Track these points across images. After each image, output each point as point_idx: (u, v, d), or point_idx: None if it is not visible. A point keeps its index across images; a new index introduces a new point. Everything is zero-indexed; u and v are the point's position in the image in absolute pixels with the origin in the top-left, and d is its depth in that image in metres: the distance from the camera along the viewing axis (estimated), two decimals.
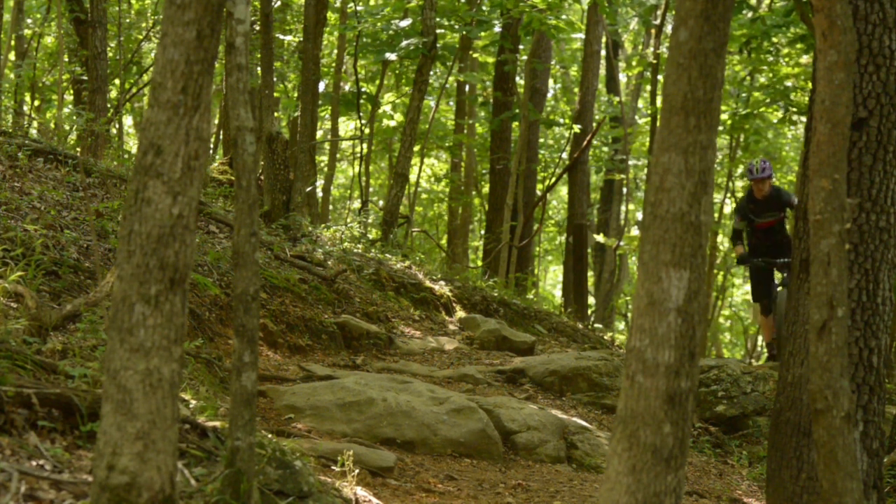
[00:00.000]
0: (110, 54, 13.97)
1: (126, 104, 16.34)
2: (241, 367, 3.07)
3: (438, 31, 12.68)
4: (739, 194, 20.83)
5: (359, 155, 15.87)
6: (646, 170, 19.67)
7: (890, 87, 4.19)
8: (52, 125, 13.59)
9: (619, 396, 2.54)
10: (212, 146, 16.37)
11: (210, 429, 3.59)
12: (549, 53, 16.42)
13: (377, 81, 16.80)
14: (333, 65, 16.20)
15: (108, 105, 12.33)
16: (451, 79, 17.68)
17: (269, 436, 3.97)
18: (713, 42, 2.50)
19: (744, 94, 16.05)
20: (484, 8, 13.90)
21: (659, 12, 16.22)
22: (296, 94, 16.60)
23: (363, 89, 15.76)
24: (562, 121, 18.44)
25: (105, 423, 2.72)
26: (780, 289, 9.80)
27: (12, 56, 14.75)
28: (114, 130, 14.01)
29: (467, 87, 18.13)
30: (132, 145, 17.76)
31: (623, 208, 19.20)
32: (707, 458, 7.16)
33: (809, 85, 9.86)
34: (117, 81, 15.15)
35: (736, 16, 11.09)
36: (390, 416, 5.80)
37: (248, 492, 3.07)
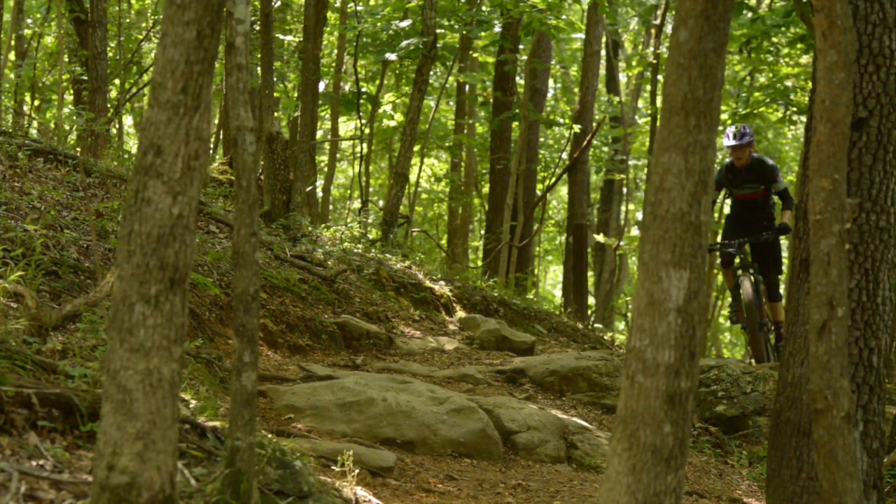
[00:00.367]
0: (110, 54, 13.97)
1: (126, 104, 16.34)
2: (241, 367, 3.07)
3: (438, 31, 12.68)
4: None
5: (359, 155, 15.87)
6: (646, 170, 19.68)
7: (890, 87, 4.19)
8: (52, 125, 13.58)
9: (619, 396, 2.54)
10: (212, 146, 16.37)
11: (210, 429, 3.59)
12: (549, 53, 16.43)
13: (377, 81, 16.80)
14: (333, 65, 16.20)
15: (108, 105, 12.33)
16: (451, 79, 17.69)
17: (269, 436, 3.97)
18: (713, 42, 2.50)
19: (744, 94, 16.05)
20: (484, 8, 13.90)
21: (659, 12, 16.23)
22: (296, 94, 16.60)
23: (363, 89, 15.76)
24: (562, 121, 18.45)
25: (105, 423, 2.72)
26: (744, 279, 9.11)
27: (12, 56, 14.76)
28: (114, 130, 14.01)
29: (467, 87, 18.13)
30: (132, 145, 17.76)
31: (623, 208, 19.20)
32: (707, 458, 7.16)
33: (809, 85, 9.85)
34: (117, 81, 15.15)
35: (735, 17, 11.09)
36: (390, 416, 5.80)
37: (248, 492, 3.07)
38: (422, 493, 5.05)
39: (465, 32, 13.60)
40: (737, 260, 9.11)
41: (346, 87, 16.24)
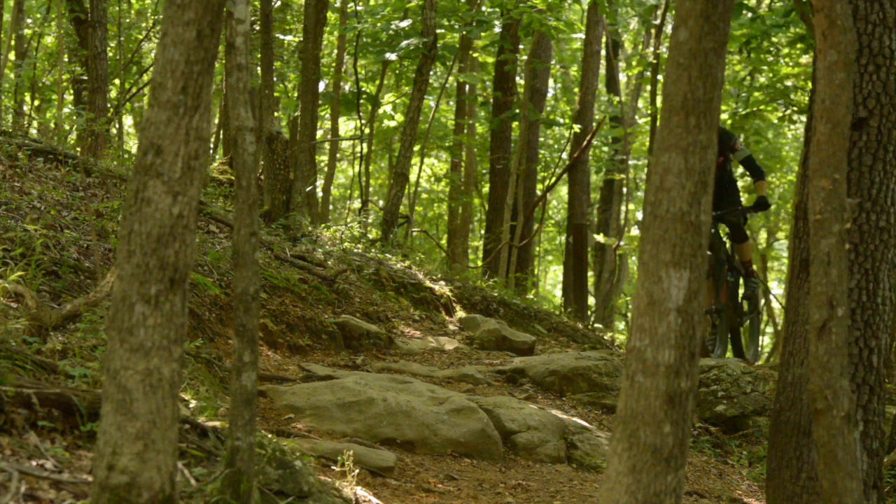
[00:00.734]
0: (110, 54, 13.97)
1: (126, 104, 16.34)
2: (241, 366, 3.07)
3: (438, 31, 12.67)
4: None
5: (359, 155, 15.87)
6: (646, 170, 19.67)
7: (890, 87, 4.19)
8: (52, 125, 13.58)
9: (619, 396, 2.54)
10: (212, 146, 16.37)
11: (210, 429, 3.59)
12: (549, 53, 16.43)
13: (377, 81, 16.80)
14: (333, 65, 16.20)
15: (108, 105, 12.33)
16: (451, 79, 17.69)
17: (269, 436, 3.97)
18: (713, 42, 2.50)
19: (744, 94, 16.05)
20: (484, 8, 13.90)
21: (659, 12, 16.22)
22: (296, 94, 16.60)
23: (363, 89, 15.76)
24: (562, 121, 18.45)
25: (105, 422, 2.72)
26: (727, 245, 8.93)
27: (12, 56, 14.75)
28: (114, 130, 14.01)
29: (467, 87, 18.13)
30: (132, 145, 17.76)
31: (623, 208, 19.20)
32: (707, 458, 7.16)
33: (809, 85, 9.83)
34: (117, 81, 15.15)
35: (735, 17, 11.08)
36: (390, 416, 5.80)
37: (248, 492, 3.07)
38: (422, 493, 5.05)
39: (465, 32, 13.60)
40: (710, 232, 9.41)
41: (346, 87, 16.24)
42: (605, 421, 7.17)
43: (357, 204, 15.52)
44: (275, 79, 13.50)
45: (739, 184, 16.24)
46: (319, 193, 15.10)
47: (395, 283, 9.64)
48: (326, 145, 18.23)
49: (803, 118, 14.59)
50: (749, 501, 6.32)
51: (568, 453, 6.32)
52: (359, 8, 14.99)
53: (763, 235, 24.79)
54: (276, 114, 14.47)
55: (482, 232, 19.09)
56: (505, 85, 15.62)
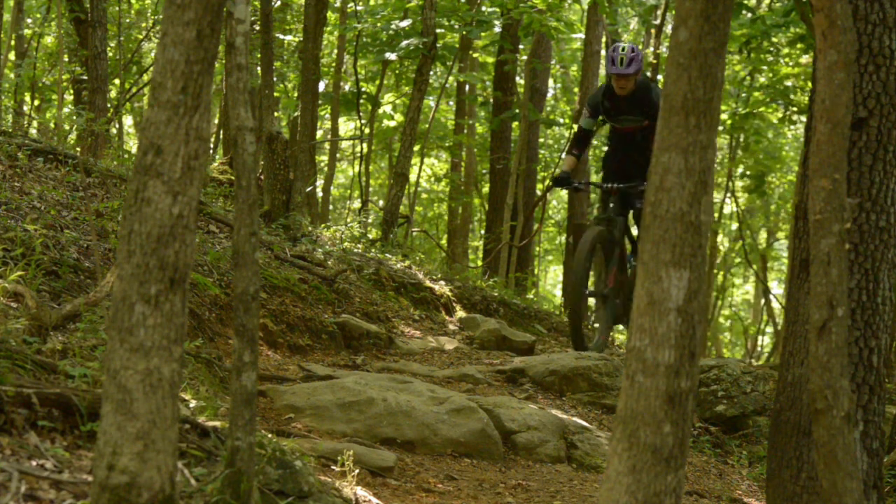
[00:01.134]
0: (110, 54, 13.97)
1: (126, 104, 16.34)
2: (241, 366, 3.07)
3: (438, 31, 12.67)
4: (739, 195, 20.83)
5: (359, 155, 15.87)
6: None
7: (890, 87, 4.19)
8: (52, 125, 13.58)
9: (619, 396, 2.54)
10: (212, 146, 16.36)
11: (210, 429, 3.59)
12: (549, 53, 16.43)
13: (377, 81, 16.79)
14: (333, 65, 16.20)
15: (108, 105, 12.33)
16: (451, 79, 17.69)
17: (269, 436, 3.97)
18: (713, 42, 2.50)
19: (744, 94, 16.05)
20: (484, 8, 13.90)
21: (659, 12, 16.22)
22: (296, 94, 16.60)
23: (363, 89, 15.76)
24: (562, 121, 18.44)
25: (105, 422, 2.72)
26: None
27: (12, 56, 14.75)
28: (114, 130, 14.00)
29: (467, 87, 18.13)
30: (132, 145, 17.76)
31: None
32: (707, 458, 7.16)
33: (809, 85, 9.81)
34: (117, 81, 15.15)
35: (735, 17, 11.08)
36: (390, 416, 5.80)
37: (248, 492, 3.07)
38: (422, 493, 5.05)
39: (465, 32, 13.60)
40: (610, 205, 7.74)
41: (346, 87, 16.24)
42: (605, 421, 7.17)
43: (357, 204, 15.52)
44: (275, 79, 13.50)
45: None
46: (319, 193, 15.10)
47: (395, 282, 9.64)
48: (326, 145, 18.23)
49: (803, 118, 14.58)
50: (749, 501, 6.32)
51: (568, 453, 6.32)
52: (359, 8, 14.99)
53: (763, 235, 24.79)
54: (276, 114, 14.47)
55: (482, 232, 19.09)
56: (505, 85, 15.62)
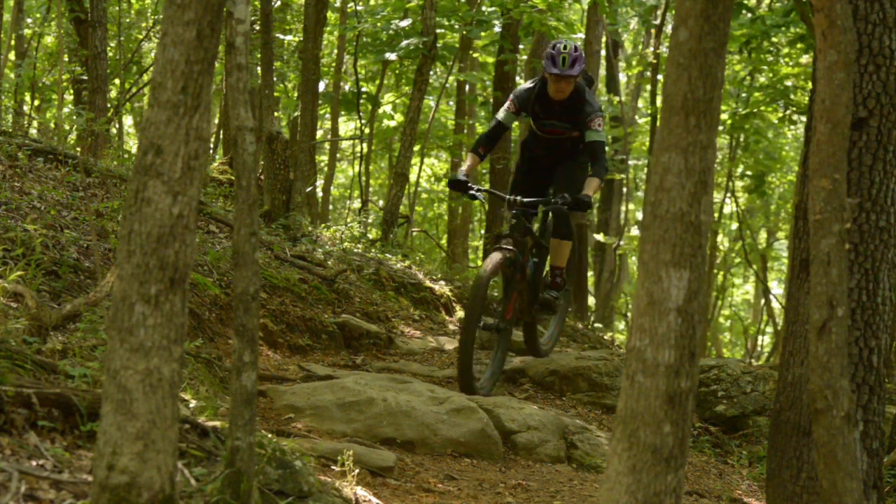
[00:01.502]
0: (110, 54, 13.97)
1: (126, 104, 16.34)
2: (241, 366, 3.07)
3: (438, 31, 12.68)
4: (739, 195, 20.82)
5: (359, 155, 15.87)
6: (646, 170, 19.68)
7: (890, 87, 4.19)
8: (52, 125, 13.58)
9: (619, 396, 2.54)
10: (212, 146, 16.37)
11: (210, 429, 3.59)
12: None
13: (377, 81, 16.80)
14: (333, 65, 16.20)
15: (108, 105, 12.33)
16: (451, 79, 17.69)
17: (269, 436, 3.97)
18: (713, 42, 2.50)
19: (744, 94, 16.05)
20: (484, 8, 13.90)
21: (659, 12, 16.22)
22: (296, 94, 16.60)
23: (363, 89, 15.76)
24: None
25: (105, 422, 2.72)
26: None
27: (12, 56, 14.75)
28: (114, 130, 14.00)
29: (467, 87, 18.13)
30: (132, 145, 17.76)
31: (623, 208, 19.21)
32: (707, 458, 7.16)
33: (809, 85, 9.81)
34: (117, 81, 15.15)
35: (735, 17, 11.08)
36: (390, 416, 5.80)
37: (248, 491, 3.07)
38: (422, 493, 5.05)
39: (465, 32, 13.60)
40: (512, 222, 6.55)
41: (346, 87, 16.24)
42: (605, 421, 7.17)
43: (357, 204, 15.52)
44: (275, 79, 13.50)
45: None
46: (319, 193, 15.10)
47: (395, 283, 9.64)
48: (326, 145, 18.23)
49: (803, 118, 14.58)
50: (749, 501, 6.32)
51: (568, 453, 6.32)
52: (359, 8, 14.99)
53: (763, 235, 24.80)
54: (276, 114, 14.47)
55: (482, 232, 19.09)
56: (505, 85, 15.61)
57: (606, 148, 6.59)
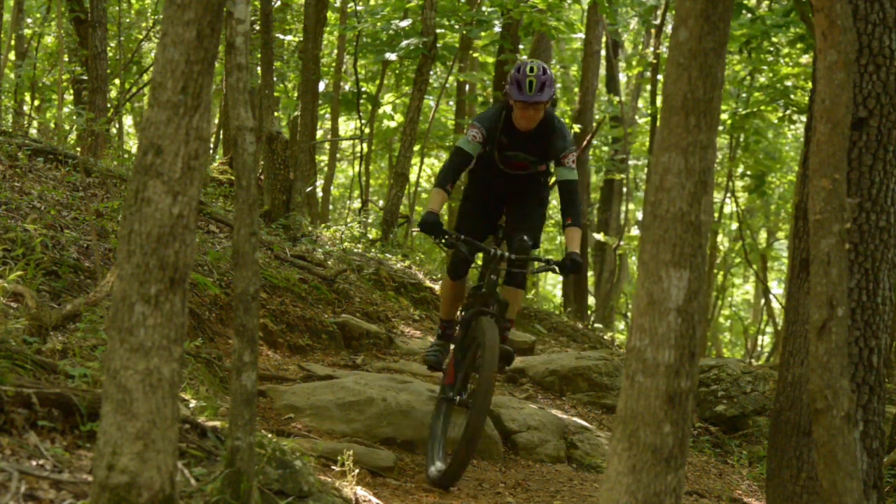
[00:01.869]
0: (110, 54, 13.97)
1: (126, 104, 16.34)
2: (241, 366, 3.07)
3: (438, 31, 12.67)
4: (739, 195, 20.82)
5: (359, 155, 15.87)
6: (646, 170, 19.67)
7: (890, 87, 4.19)
8: (52, 125, 13.58)
9: (619, 396, 2.54)
10: (212, 146, 16.37)
11: (210, 428, 3.59)
12: (549, 53, 16.42)
13: (377, 81, 16.80)
14: (333, 65, 16.20)
15: (108, 105, 12.33)
16: (451, 79, 17.68)
17: (269, 435, 3.97)
18: (713, 42, 2.50)
19: (744, 94, 16.05)
20: (484, 8, 13.90)
21: (659, 12, 16.22)
22: (296, 94, 16.60)
23: (363, 89, 15.76)
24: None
25: (105, 422, 2.72)
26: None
27: (12, 56, 14.75)
28: (114, 130, 14.00)
29: (467, 87, 18.13)
30: (132, 145, 17.76)
31: (623, 208, 19.20)
32: (707, 457, 7.16)
33: (809, 85, 9.80)
34: (117, 81, 15.15)
35: (735, 17, 11.07)
36: (390, 416, 5.80)
37: (248, 491, 3.07)
38: (422, 493, 5.05)
39: (465, 32, 13.60)
40: (493, 279, 5.47)
41: (346, 87, 16.24)
42: (605, 421, 7.17)
43: (357, 204, 15.52)
44: (275, 79, 13.50)
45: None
46: (319, 193, 15.10)
47: (395, 282, 9.64)
48: (326, 145, 18.23)
49: (803, 118, 14.58)
50: (749, 501, 6.32)
51: (568, 453, 6.32)
52: (359, 8, 14.99)
53: (763, 235, 24.80)
54: (276, 114, 14.47)
55: None
56: (505, 85, 15.61)
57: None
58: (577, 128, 15.89)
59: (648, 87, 17.49)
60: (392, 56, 13.00)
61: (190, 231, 2.77)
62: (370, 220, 13.45)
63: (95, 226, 6.37)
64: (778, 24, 11.57)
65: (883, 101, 4.18)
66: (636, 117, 20.80)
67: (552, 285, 31.14)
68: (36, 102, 17.06)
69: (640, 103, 20.99)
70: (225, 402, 4.77)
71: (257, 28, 12.53)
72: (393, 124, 17.95)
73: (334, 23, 15.99)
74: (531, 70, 5.35)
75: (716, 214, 18.80)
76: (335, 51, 16.61)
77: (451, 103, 20.02)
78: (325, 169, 16.81)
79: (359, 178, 14.91)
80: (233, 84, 3.15)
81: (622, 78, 21.60)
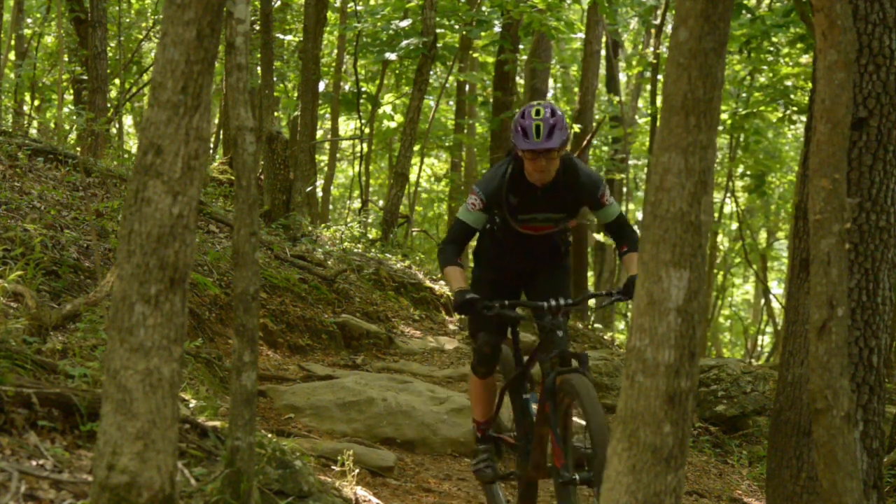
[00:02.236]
0: (110, 54, 13.97)
1: (126, 104, 16.34)
2: (241, 366, 3.07)
3: (438, 31, 12.68)
4: (739, 195, 20.83)
5: (359, 155, 15.87)
6: (646, 170, 19.67)
7: (890, 87, 4.19)
8: (52, 125, 13.58)
9: (619, 396, 2.54)
10: (212, 146, 16.37)
11: (210, 428, 3.59)
12: (549, 53, 16.42)
13: (377, 81, 16.80)
14: (333, 65, 16.20)
15: (108, 105, 12.33)
16: (451, 79, 17.69)
17: (269, 435, 3.97)
18: (713, 42, 2.50)
19: (744, 94, 16.05)
20: (484, 8, 13.90)
21: (659, 12, 16.22)
22: (296, 94, 16.60)
23: (363, 89, 15.76)
24: None
25: (105, 422, 2.72)
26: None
27: (12, 56, 14.75)
28: (114, 130, 14.00)
29: (467, 87, 18.13)
30: (132, 145, 17.75)
31: (623, 208, 19.19)
32: (707, 457, 7.16)
33: (809, 85, 9.79)
34: (117, 81, 15.14)
35: (735, 17, 11.07)
36: (390, 416, 5.80)
37: (248, 491, 3.07)
38: (422, 493, 5.05)
39: (465, 32, 13.60)
40: (559, 334, 4.41)
41: (346, 87, 16.24)
42: None
43: (357, 204, 15.52)
44: (275, 79, 13.50)
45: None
46: (319, 193, 15.10)
47: (395, 282, 9.64)
48: (326, 145, 18.23)
49: (803, 118, 14.58)
50: (749, 501, 6.32)
51: None
52: (359, 8, 14.99)
53: (763, 235, 24.80)
54: (276, 114, 14.47)
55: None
56: (505, 85, 15.61)
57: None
58: (577, 128, 15.89)
59: (648, 87, 17.50)
60: (392, 56, 13.01)
61: (190, 231, 2.77)
62: (370, 220, 13.45)
63: (95, 226, 6.37)
64: (778, 24, 11.57)
65: (883, 101, 4.19)
66: (636, 117, 20.80)
67: None
68: (36, 102, 17.06)
69: (640, 103, 20.99)
70: (225, 402, 4.77)
71: (257, 28, 12.53)
72: (393, 124, 17.95)
73: (334, 23, 15.99)
74: (537, 113, 4.41)
75: (716, 214, 18.79)
76: (335, 51, 16.61)
77: (451, 103, 20.02)
78: (325, 169, 16.81)
79: (359, 178, 14.91)
80: (233, 84, 3.15)
81: (622, 78, 21.60)
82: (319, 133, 18.07)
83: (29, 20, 16.58)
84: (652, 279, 2.50)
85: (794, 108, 14.49)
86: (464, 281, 4.54)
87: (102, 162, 8.72)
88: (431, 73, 13.47)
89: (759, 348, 24.29)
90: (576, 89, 20.50)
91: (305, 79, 12.14)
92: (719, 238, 20.03)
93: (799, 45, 12.83)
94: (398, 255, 10.84)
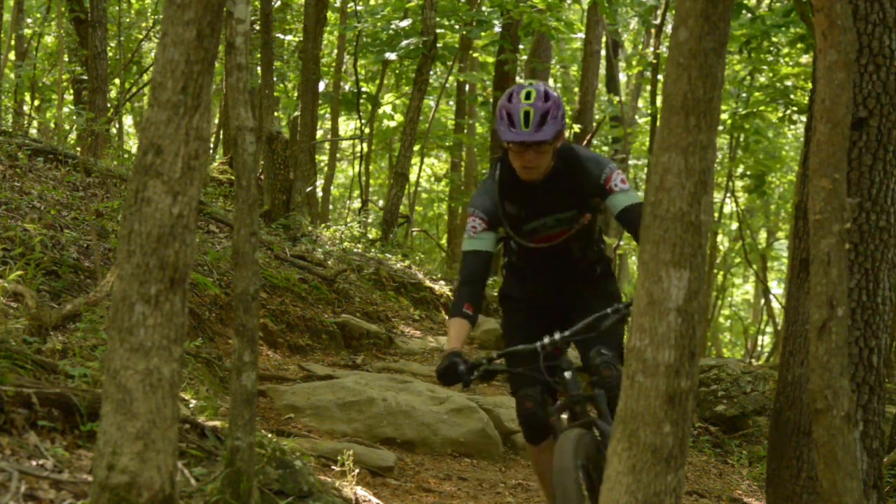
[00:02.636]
0: (110, 54, 13.97)
1: (126, 104, 16.34)
2: (241, 366, 3.07)
3: (438, 31, 12.68)
4: (739, 195, 20.83)
5: (359, 155, 15.87)
6: (646, 170, 19.66)
7: (890, 87, 4.19)
8: (52, 125, 13.58)
9: (619, 396, 2.54)
10: (212, 146, 16.37)
11: (210, 428, 3.59)
12: (549, 53, 16.43)
13: (377, 81, 16.80)
14: (333, 65, 16.20)
15: (108, 105, 12.33)
16: (451, 79, 17.69)
17: (269, 435, 3.97)
18: (713, 42, 2.50)
19: (744, 94, 16.04)
20: (484, 8, 13.90)
21: (659, 12, 16.22)
22: (296, 94, 16.60)
23: (363, 89, 15.76)
24: None
25: (105, 422, 2.72)
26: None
27: (12, 56, 14.75)
28: (114, 130, 14.00)
29: (467, 87, 18.13)
30: (132, 145, 17.75)
31: None
32: (707, 457, 7.16)
33: (809, 85, 9.79)
34: (117, 81, 15.14)
35: (735, 17, 11.07)
36: (390, 416, 5.80)
37: (248, 491, 3.07)
38: (422, 493, 5.05)
39: (465, 32, 13.60)
40: (566, 377, 3.94)
41: (346, 87, 16.24)
42: None
43: (357, 204, 15.52)
44: (275, 79, 13.50)
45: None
46: (319, 193, 15.10)
47: (395, 282, 9.64)
48: (326, 145, 18.23)
49: (803, 118, 14.58)
50: (749, 501, 6.32)
51: None
52: (359, 8, 14.99)
53: (763, 235, 24.80)
54: (276, 114, 14.47)
55: None
56: (505, 85, 15.60)
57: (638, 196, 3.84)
58: (577, 128, 15.89)
59: (648, 87, 17.49)
60: (392, 56, 13.01)
61: (190, 231, 2.77)
62: (370, 220, 13.45)
63: (95, 226, 6.37)
64: (778, 24, 11.56)
65: (883, 101, 4.18)
66: (636, 117, 20.80)
67: None
68: (36, 102, 17.06)
69: (640, 103, 20.99)
70: (225, 402, 4.77)
71: (257, 28, 12.53)
72: (393, 124, 17.95)
73: (334, 23, 15.99)
74: (527, 96, 3.65)
75: (716, 214, 18.79)
76: (335, 51, 16.61)
77: (451, 103, 20.02)
78: (325, 169, 16.81)
79: (359, 178, 14.91)
80: (233, 84, 3.15)
81: (622, 78, 21.59)
82: (319, 133, 18.07)
83: (29, 20, 16.58)
84: (652, 279, 2.50)
85: (794, 108, 14.49)
86: (457, 340, 3.74)
87: (102, 162, 8.72)
88: (431, 73, 13.47)
89: (759, 348, 24.28)
90: (576, 89, 20.50)
91: (305, 79, 12.14)
92: (719, 238, 20.03)
93: (799, 45, 12.82)
94: (398, 255, 10.84)
